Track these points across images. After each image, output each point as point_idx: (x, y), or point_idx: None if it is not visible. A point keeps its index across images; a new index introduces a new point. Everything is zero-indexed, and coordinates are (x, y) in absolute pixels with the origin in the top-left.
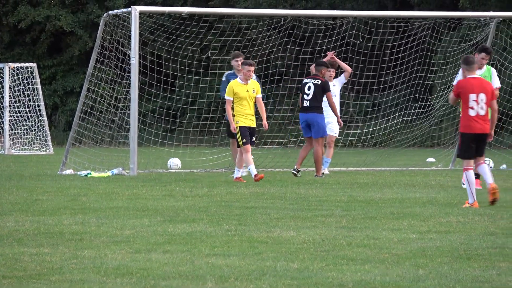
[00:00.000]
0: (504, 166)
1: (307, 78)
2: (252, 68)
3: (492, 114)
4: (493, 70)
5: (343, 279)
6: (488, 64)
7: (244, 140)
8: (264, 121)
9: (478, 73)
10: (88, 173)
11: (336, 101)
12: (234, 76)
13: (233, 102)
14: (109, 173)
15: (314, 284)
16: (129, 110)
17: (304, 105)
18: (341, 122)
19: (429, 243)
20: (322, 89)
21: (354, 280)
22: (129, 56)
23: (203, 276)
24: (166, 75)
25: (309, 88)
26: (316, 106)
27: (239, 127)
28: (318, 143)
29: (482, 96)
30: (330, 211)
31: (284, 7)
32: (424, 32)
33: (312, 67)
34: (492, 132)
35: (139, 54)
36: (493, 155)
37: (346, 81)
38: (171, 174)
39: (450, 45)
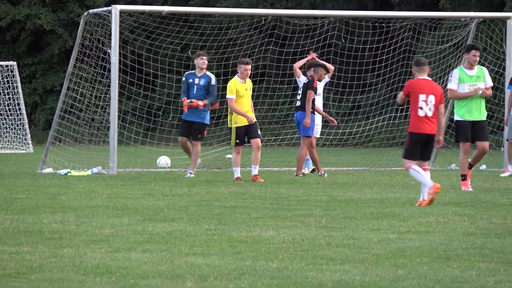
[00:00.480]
0: (483, 166)
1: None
2: (249, 67)
3: (439, 118)
4: (485, 70)
5: (323, 278)
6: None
7: (238, 141)
8: (253, 117)
9: (470, 74)
10: (67, 172)
11: (320, 100)
12: (193, 76)
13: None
14: (88, 172)
15: (293, 283)
16: (109, 108)
17: (296, 104)
18: (332, 121)
19: (408, 243)
20: (306, 88)
21: (333, 280)
22: (109, 55)
23: (182, 275)
24: (147, 74)
25: (300, 88)
26: (303, 105)
27: (236, 127)
28: (304, 142)
29: (432, 98)
30: (309, 211)
31: (265, 7)
32: (406, 34)
33: (295, 65)
34: (442, 138)
35: (120, 53)
36: None
37: (329, 79)
38: (151, 173)
39: (431, 46)
